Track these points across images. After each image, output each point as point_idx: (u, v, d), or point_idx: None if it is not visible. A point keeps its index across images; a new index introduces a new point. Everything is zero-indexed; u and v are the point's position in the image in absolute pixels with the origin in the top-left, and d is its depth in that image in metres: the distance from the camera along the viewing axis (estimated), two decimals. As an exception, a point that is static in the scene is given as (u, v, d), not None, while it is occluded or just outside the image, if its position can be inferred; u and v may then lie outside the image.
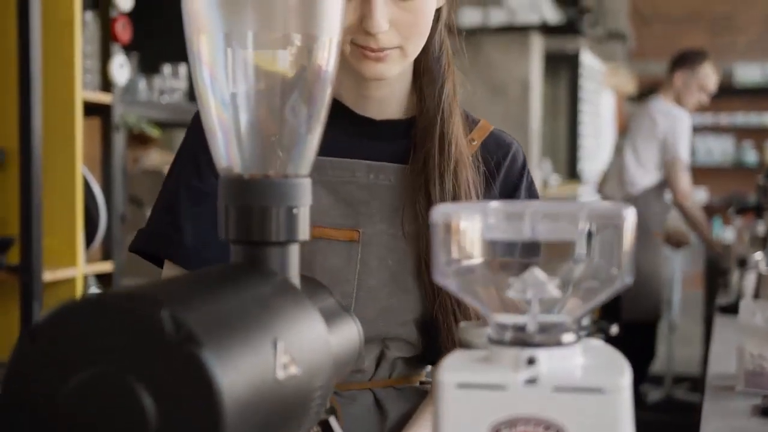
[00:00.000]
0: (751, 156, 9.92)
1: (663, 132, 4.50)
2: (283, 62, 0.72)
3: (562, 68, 7.28)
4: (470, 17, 5.68)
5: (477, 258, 0.69)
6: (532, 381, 0.64)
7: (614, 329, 1.17)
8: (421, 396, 1.35)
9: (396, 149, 1.32)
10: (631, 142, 4.66)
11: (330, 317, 0.76)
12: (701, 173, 9.74)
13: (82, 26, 2.96)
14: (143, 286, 0.60)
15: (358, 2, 1.19)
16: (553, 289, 0.66)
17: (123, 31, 3.11)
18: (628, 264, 0.67)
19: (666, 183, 4.55)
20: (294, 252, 0.73)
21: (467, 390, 0.64)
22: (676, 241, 4.98)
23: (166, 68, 3.61)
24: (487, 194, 1.34)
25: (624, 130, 5.06)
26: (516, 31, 5.86)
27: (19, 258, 2.67)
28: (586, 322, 0.83)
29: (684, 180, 4.49)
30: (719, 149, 10.05)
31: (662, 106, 4.59)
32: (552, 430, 0.63)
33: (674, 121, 4.52)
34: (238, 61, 0.71)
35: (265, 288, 0.69)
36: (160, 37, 2.99)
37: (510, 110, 5.85)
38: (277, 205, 0.71)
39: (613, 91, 9.19)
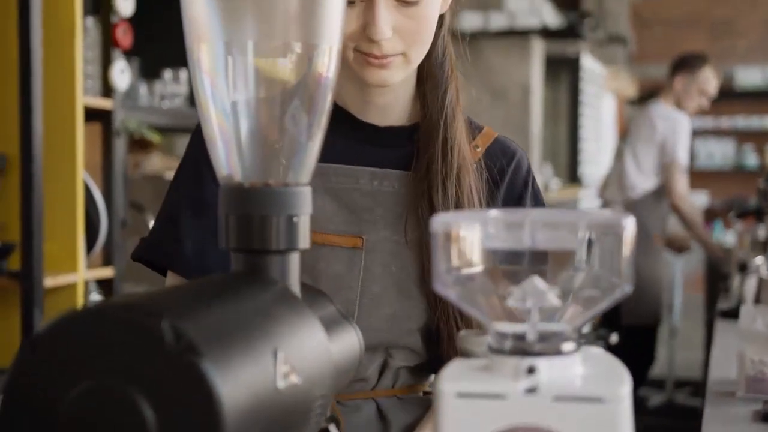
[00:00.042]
0: (751, 159, 9.91)
1: (662, 135, 4.51)
2: (284, 70, 0.73)
3: (563, 72, 7.28)
4: (470, 21, 5.69)
5: (477, 267, 0.69)
6: (532, 390, 0.64)
7: (614, 338, 1.17)
8: (425, 406, 1.34)
9: (399, 156, 1.32)
10: (631, 146, 4.66)
11: (330, 325, 0.76)
12: (702, 176, 9.74)
13: (83, 32, 2.96)
14: (143, 296, 0.60)
15: (361, 9, 1.19)
16: (552, 297, 0.66)
17: (124, 36, 3.12)
18: (628, 273, 0.67)
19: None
20: (294, 260, 0.73)
21: (467, 399, 0.64)
22: (677, 246, 4.98)
23: (167, 73, 3.61)
24: (491, 201, 1.33)
25: (624, 133, 5.06)
26: (516, 35, 5.86)
27: (20, 264, 2.67)
28: (586, 329, 0.83)
29: (681, 182, 4.49)
30: (720, 152, 10.04)
31: (662, 111, 4.59)
32: (552, 439, 0.63)
33: (673, 124, 4.52)
34: (238, 70, 0.71)
35: (265, 297, 0.69)
36: (160, 42, 2.99)
37: (510, 114, 5.85)
38: (278, 213, 0.71)
39: (613, 95, 9.19)
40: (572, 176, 7.38)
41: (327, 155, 1.23)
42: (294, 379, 0.64)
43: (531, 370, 0.64)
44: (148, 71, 3.58)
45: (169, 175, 3.53)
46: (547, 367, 0.64)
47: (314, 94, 0.74)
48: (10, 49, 2.73)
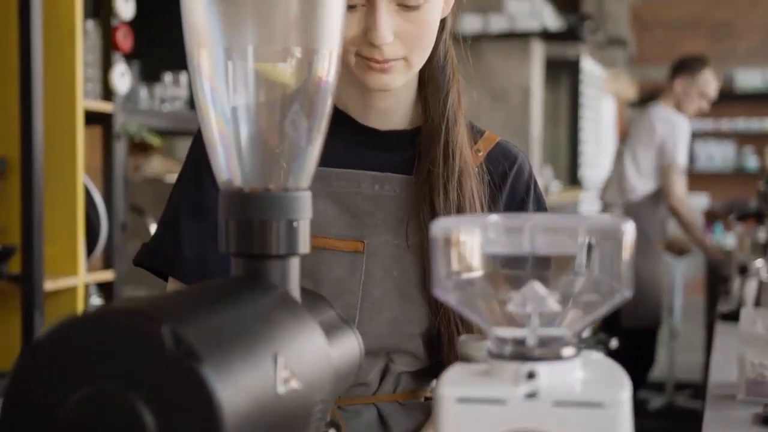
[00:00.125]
0: (752, 162, 9.92)
1: (661, 137, 4.51)
2: (284, 75, 0.73)
3: (563, 74, 7.29)
4: (471, 24, 5.69)
5: (477, 272, 0.69)
6: (532, 395, 0.64)
7: (614, 343, 1.17)
8: (426, 412, 1.33)
9: (401, 159, 1.32)
10: (630, 149, 4.66)
11: (330, 330, 0.76)
12: (702, 179, 9.74)
13: (83, 35, 2.96)
14: (143, 301, 0.61)
15: (362, 14, 1.18)
16: (552, 302, 0.66)
17: (124, 39, 3.12)
18: (628, 277, 0.67)
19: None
20: (294, 265, 0.73)
21: (467, 404, 0.64)
22: (677, 249, 4.98)
23: (167, 76, 3.61)
24: (493, 205, 1.33)
25: (625, 136, 5.06)
26: (516, 37, 5.87)
27: (21, 267, 2.67)
28: (586, 333, 0.83)
29: (679, 184, 4.49)
30: (720, 155, 10.05)
31: (662, 113, 4.60)
32: (552, 444, 0.63)
33: (673, 126, 4.52)
34: (238, 75, 0.71)
35: (265, 302, 0.69)
36: (161, 45, 2.99)
37: (511, 117, 5.86)
38: (278, 218, 0.71)
39: (613, 97, 9.20)
40: (572, 179, 7.38)
41: (328, 159, 1.23)
42: (294, 384, 0.64)
43: (531, 375, 0.64)
44: (149, 74, 3.58)
45: (170, 177, 3.53)
46: (547, 372, 0.64)
47: (314, 98, 0.74)
48: (10, 53, 2.73)
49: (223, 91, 0.72)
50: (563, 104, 7.41)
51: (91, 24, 3.06)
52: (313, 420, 0.68)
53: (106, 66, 3.10)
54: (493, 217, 0.70)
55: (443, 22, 1.30)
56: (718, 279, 4.56)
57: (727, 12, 9.94)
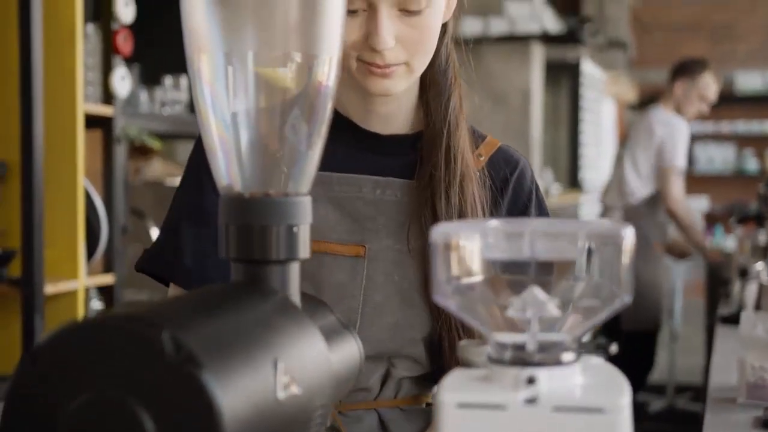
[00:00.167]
0: (752, 164, 9.92)
1: (660, 139, 4.51)
2: (284, 80, 0.73)
3: (563, 77, 7.29)
4: (471, 27, 5.69)
5: (476, 277, 0.69)
6: (531, 401, 0.64)
7: (614, 348, 1.17)
8: (428, 418, 1.33)
9: (402, 164, 1.31)
10: (630, 151, 4.66)
11: (330, 335, 0.76)
12: (702, 181, 9.75)
13: (84, 39, 2.96)
14: (143, 307, 0.61)
15: (363, 19, 1.18)
16: (552, 308, 0.66)
17: (124, 43, 3.12)
18: (628, 282, 0.67)
19: None
20: (294, 270, 0.73)
21: (467, 410, 0.64)
22: (678, 252, 4.98)
23: (168, 80, 3.61)
24: (494, 210, 1.33)
25: (625, 138, 5.06)
26: (517, 40, 5.87)
27: (21, 271, 2.67)
28: (586, 337, 0.83)
29: (676, 186, 4.48)
30: (720, 157, 10.05)
31: (662, 116, 4.59)
32: (552, 449, 0.63)
33: (671, 128, 4.52)
34: (238, 80, 0.71)
35: (265, 307, 0.69)
36: (161, 49, 2.99)
37: (511, 120, 5.86)
38: (278, 223, 0.71)
39: (614, 100, 9.20)
40: (573, 181, 7.39)
41: (329, 164, 1.23)
42: (294, 389, 0.64)
43: (531, 381, 0.64)
44: (149, 78, 3.58)
45: (170, 181, 3.53)
46: (546, 377, 0.65)
47: (314, 103, 0.74)
48: (10, 56, 2.73)
49: (223, 96, 0.72)
50: (563, 107, 7.42)
51: (91, 27, 3.06)
52: (313, 425, 0.68)
53: (107, 69, 3.10)
54: (493, 223, 0.70)
55: (445, 26, 1.29)
56: (718, 282, 4.56)
57: (727, 14, 9.95)
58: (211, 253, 1.23)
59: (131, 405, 0.56)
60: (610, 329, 4.25)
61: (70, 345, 0.58)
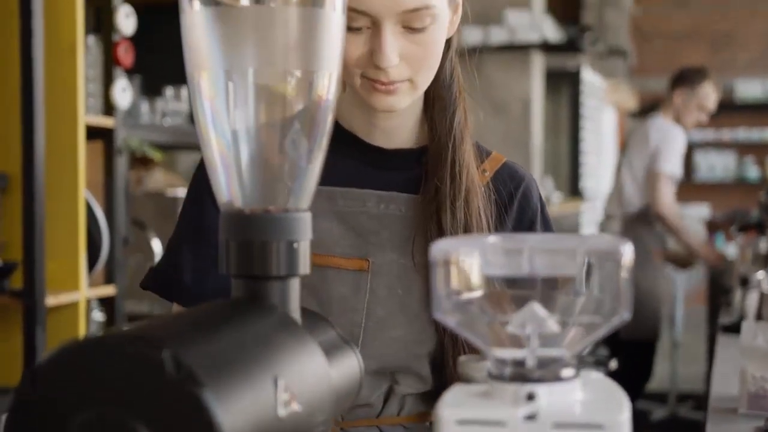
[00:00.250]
0: (753, 172, 9.92)
1: (654, 146, 4.50)
2: (284, 97, 0.73)
3: (563, 85, 7.29)
4: (471, 36, 5.70)
5: (476, 293, 0.69)
6: (531, 417, 0.64)
7: (613, 364, 1.17)
8: None
9: (407, 178, 1.31)
10: (627, 160, 4.67)
11: (330, 350, 0.76)
12: (703, 189, 9.75)
13: (85, 50, 2.97)
14: (144, 325, 0.61)
15: (367, 36, 1.18)
16: (552, 323, 0.66)
17: (125, 54, 3.13)
18: (627, 298, 0.68)
19: None
20: (294, 286, 0.74)
21: (467, 426, 0.65)
22: (680, 262, 4.97)
23: (168, 91, 3.62)
24: (499, 226, 1.32)
25: (625, 147, 5.06)
26: (517, 49, 5.87)
27: (22, 282, 2.67)
28: (585, 350, 0.83)
29: (665, 191, 4.46)
30: (721, 165, 10.05)
31: (660, 124, 4.59)
32: (552, 465, 0.63)
33: (665, 134, 4.52)
34: (238, 97, 0.72)
35: (265, 324, 0.69)
36: (162, 60, 3.00)
37: (511, 128, 5.86)
38: (278, 239, 0.71)
39: (614, 108, 9.20)
40: (573, 190, 7.38)
41: (334, 178, 1.23)
42: (295, 406, 0.64)
43: (530, 397, 0.64)
44: (150, 88, 3.59)
45: (172, 191, 3.54)
46: (546, 393, 0.65)
47: (315, 117, 0.74)
48: (11, 68, 2.74)
49: (223, 112, 0.72)
50: (564, 115, 7.42)
51: (92, 39, 3.07)
52: (313, 441, 0.68)
53: (108, 81, 3.10)
54: (492, 239, 0.70)
55: (449, 41, 1.29)
56: (719, 290, 4.56)
57: (726, 22, 9.96)
58: (210, 270, 1.24)
59: (132, 424, 0.56)
60: (608, 338, 4.24)
61: (70, 364, 0.58)
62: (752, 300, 2.59)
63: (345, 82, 1.23)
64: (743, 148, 10.00)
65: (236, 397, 0.58)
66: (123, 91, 3.12)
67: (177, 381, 0.56)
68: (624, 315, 0.68)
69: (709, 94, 4.60)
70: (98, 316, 3.16)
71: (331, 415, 0.72)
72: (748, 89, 9.76)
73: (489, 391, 0.67)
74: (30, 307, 2.65)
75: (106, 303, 3.16)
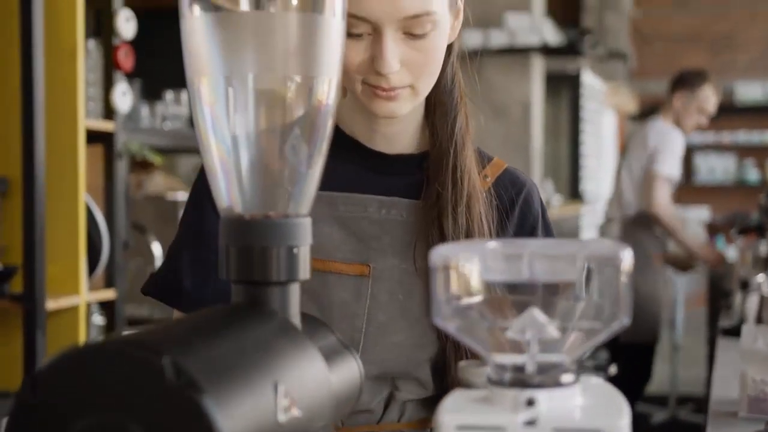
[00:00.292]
0: (753, 174, 9.93)
1: (652, 148, 4.50)
2: (284, 102, 0.73)
3: (563, 88, 7.30)
4: (471, 39, 5.70)
5: (476, 299, 0.69)
6: (531, 422, 0.64)
7: (613, 369, 1.17)
8: None
9: (408, 184, 1.31)
10: (627, 163, 4.67)
11: (330, 355, 0.76)
12: (703, 191, 9.76)
13: (85, 54, 2.97)
14: (144, 331, 0.61)
15: (368, 42, 1.18)
16: (552, 329, 0.66)
17: (125, 59, 3.13)
18: (627, 304, 0.68)
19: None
20: (295, 291, 0.74)
21: (467, 431, 0.65)
22: (680, 265, 4.97)
23: (169, 94, 3.62)
24: (501, 231, 1.32)
25: (625, 150, 5.06)
26: (517, 52, 5.88)
27: (22, 286, 2.67)
28: (585, 355, 0.83)
29: (661, 192, 4.45)
30: (721, 167, 10.06)
31: (660, 127, 4.60)
32: (552, 470, 0.63)
33: (663, 137, 4.52)
34: (238, 102, 0.72)
35: (265, 329, 0.69)
36: (162, 64, 3.00)
37: (511, 131, 5.86)
38: (278, 245, 0.71)
39: (614, 111, 9.21)
40: (573, 193, 7.39)
41: (335, 183, 1.23)
42: (295, 412, 0.64)
43: (530, 402, 0.64)
44: (150, 92, 3.60)
45: (172, 195, 3.54)
46: (546, 398, 0.65)
47: (315, 122, 0.74)
48: (11, 72, 2.74)
49: (223, 118, 0.72)
50: (564, 118, 7.42)
51: (92, 43, 3.07)
52: (313, 447, 0.68)
53: (108, 85, 3.11)
54: (492, 244, 0.70)
55: (450, 46, 1.29)
56: (719, 293, 4.56)
57: (726, 25, 9.97)
58: (211, 276, 1.24)
59: (132, 430, 0.56)
60: (608, 342, 4.24)
61: (70, 369, 0.58)
62: (752, 303, 2.59)
63: (346, 88, 1.23)
64: (743, 151, 10.01)
65: (236, 403, 0.58)
66: (123, 95, 3.12)
67: (177, 387, 0.56)
68: (624, 320, 0.68)
69: (708, 97, 4.60)
70: (98, 320, 3.16)
71: (331, 420, 0.72)
72: (749, 92, 9.77)
73: (489, 397, 0.67)
74: (30, 311, 2.65)
75: (106, 307, 3.16)
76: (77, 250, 2.89)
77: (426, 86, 1.24)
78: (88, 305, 3.00)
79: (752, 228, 3.99)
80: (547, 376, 0.66)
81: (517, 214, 1.35)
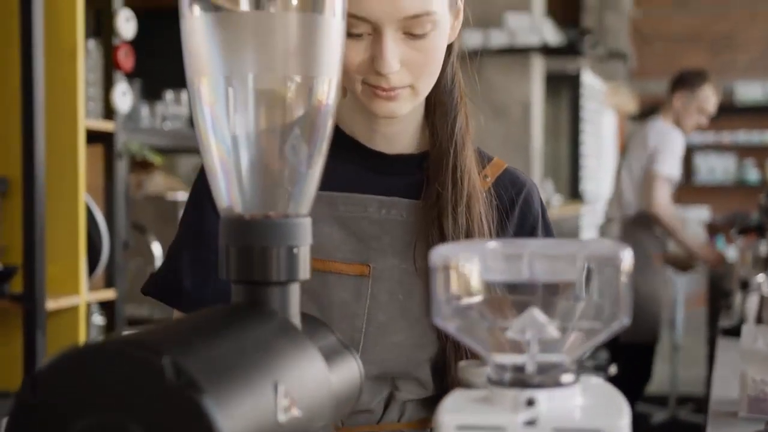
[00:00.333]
0: (753, 174, 9.93)
1: (652, 148, 4.50)
2: (284, 102, 0.73)
3: (563, 88, 7.30)
4: (471, 39, 5.70)
5: (476, 299, 0.69)
6: (531, 422, 0.64)
7: (613, 369, 1.17)
8: None
9: (408, 184, 1.31)
10: (627, 163, 4.67)
11: (330, 355, 0.76)
12: (703, 191, 9.76)
13: (85, 54, 2.97)
14: (144, 331, 0.61)
15: (368, 42, 1.18)
16: (552, 329, 0.66)
17: (125, 59, 3.13)
18: (627, 304, 0.68)
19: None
20: (294, 291, 0.74)
21: (467, 431, 0.65)
22: (680, 265, 4.96)
23: (169, 94, 3.62)
24: (501, 231, 1.32)
25: (625, 150, 5.07)
26: (517, 52, 5.88)
27: (22, 286, 2.67)
28: (585, 355, 0.83)
29: (661, 192, 4.45)
30: (721, 167, 10.06)
31: (659, 127, 4.60)
32: (552, 470, 0.63)
33: (663, 137, 4.52)
34: (238, 102, 0.72)
35: (265, 329, 0.69)
36: (162, 64, 3.00)
37: (511, 131, 5.86)
38: (278, 245, 0.71)
39: (614, 111, 9.21)
40: (573, 193, 7.39)
41: (335, 183, 1.23)
42: (295, 412, 0.64)
43: (530, 402, 0.64)
44: (150, 92, 3.60)
45: (172, 195, 3.54)
46: (546, 398, 0.65)
47: (315, 122, 0.74)
48: (12, 71, 2.74)
49: (223, 118, 0.72)
50: (564, 118, 7.42)
51: (92, 43, 3.07)
52: (313, 447, 0.68)
53: (108, 85, 3.11)
54: (492, 244, 0.70)
55: (450, 46, 1.29)
56: (719, 293, 4.56)
57: (726, 25, 9.97)
58: (211, 276, 1.24)
59: (132, 430, 0.56)
60: (608, 343, 4.24)
61: (71, 369, 0.58)
62: (752, 303, 2.59)
63: (346, 88, 1.23)
64: (743, 151, 10.01)
65: (236, 403, 0.58)
66: (123, 95, 3.12)
67: (177, 387, 0.56)
68: (624, 320, 0.68)
69: (708, 97, 4.60)
70: (98, 320, 3.16)
71: (331, 420, 0.72)
72: (749, 91, 9.77)
73: (489, 397, 0.67)
74: (30, 311, 2.66)
75: (106, 307, 3.16)
76: (77, 250, 2.89)
77: (426, 86, 1.24)
78: (88, 305, 3.00)
79: (752, 228, 3.99)
80: (547, 376, 0.66)
81: (517, 214, 1.35)
